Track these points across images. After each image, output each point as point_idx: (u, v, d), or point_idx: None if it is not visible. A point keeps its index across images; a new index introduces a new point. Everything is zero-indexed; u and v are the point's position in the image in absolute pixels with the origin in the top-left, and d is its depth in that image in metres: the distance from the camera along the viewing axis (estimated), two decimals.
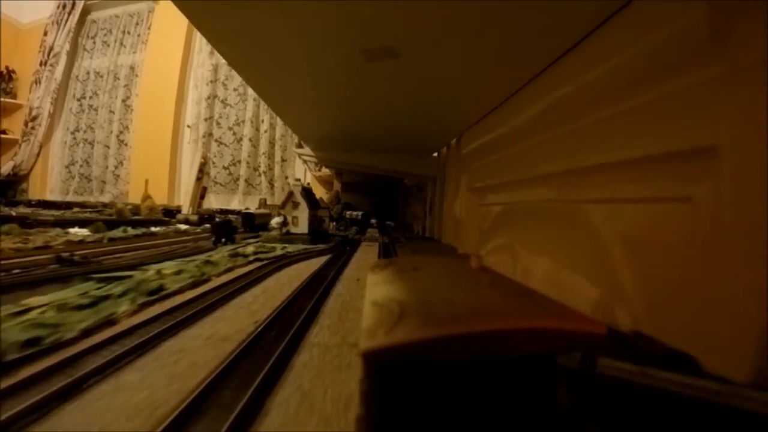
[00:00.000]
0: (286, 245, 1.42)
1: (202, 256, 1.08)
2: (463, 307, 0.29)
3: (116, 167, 5.43)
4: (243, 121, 4.67)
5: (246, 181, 4.48)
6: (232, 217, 2.55)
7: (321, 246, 1.52)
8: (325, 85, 1.00)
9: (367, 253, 1.44)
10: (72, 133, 5.92)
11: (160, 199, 4.83)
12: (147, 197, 3.40)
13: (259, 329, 0.54)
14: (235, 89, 4.82)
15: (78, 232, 1.65)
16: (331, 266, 1.12)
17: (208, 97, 4.86)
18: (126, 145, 5.42)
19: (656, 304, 0.51)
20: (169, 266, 0.89)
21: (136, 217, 2.39)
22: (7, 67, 6.29)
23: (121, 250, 1.30)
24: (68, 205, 4.42)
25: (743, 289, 0.39)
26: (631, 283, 0.55)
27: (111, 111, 5.63)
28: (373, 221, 2.90)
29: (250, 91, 4.62)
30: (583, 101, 0.64)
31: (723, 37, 0.44)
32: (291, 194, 1.55)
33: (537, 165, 0.80)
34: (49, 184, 6.09)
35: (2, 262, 1.07)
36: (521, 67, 0.79)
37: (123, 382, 0.39)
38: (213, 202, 4.42)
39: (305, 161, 3.97)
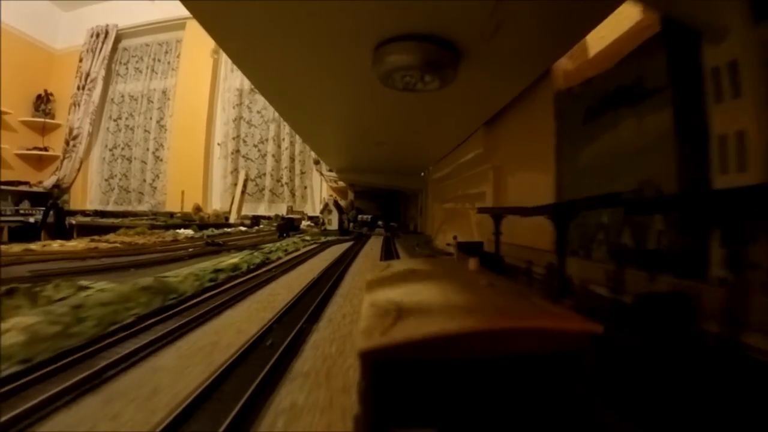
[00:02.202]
0: (327, 237, 2.48)
1: (287, 240, 2.15)
2: (461, 307, 0.32)
3: (153, 180, 6.54)
4: (266, 140, 5.77)
5: (270, 191, 5.57)
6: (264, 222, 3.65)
7: (346, 237, 2.58)
8: (350, 149, 2.06)
9: (375, 242, 2.48)
10: (110, 150, 7.05)
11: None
12: (197, 207, 4.50)
13: (335, 260, 1.60)
14: (258, 111, 5.93)
15: (186, 231, 2.71)
16: (355, 246, 2.18)
17: (235, 119, 5.97)
18: (161, 160, 6.53)
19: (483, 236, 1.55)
20: (280, 243, 1.95)
21: (204, 222, 3.47)
22: (45, 90, 7.45)
23: (232, 240, 2.36)
24: (124, 214, 5.55)
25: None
26: (477, 232, 1.59)
27: (146, 131, 6.75)
28: (379, 223, 3.95)
29: (272, 114, 5.71)
30: (463, 167, 1.70)
31: (488, 157, 1.49)
32: (326, 205, 2.62)
33: (453, 191, 1.86)
34: (89, 195, 7.20)
35: (178, 245, 2.13)
36: (446, 144, 1.85)
37: (306, 268, 1.44)
38: (241, 209, 5.49)
39: (322, 174, 5.04)
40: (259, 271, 1.28)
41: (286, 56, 0.96)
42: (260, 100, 5.94)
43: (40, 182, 7.09)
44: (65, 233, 5.04)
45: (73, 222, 5.56)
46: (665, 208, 0.68)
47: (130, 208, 6.61)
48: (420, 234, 2.92)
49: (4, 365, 0.50)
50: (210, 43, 5.30)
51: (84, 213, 5.86)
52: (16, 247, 2.05)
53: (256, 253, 1.53)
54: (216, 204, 5.92)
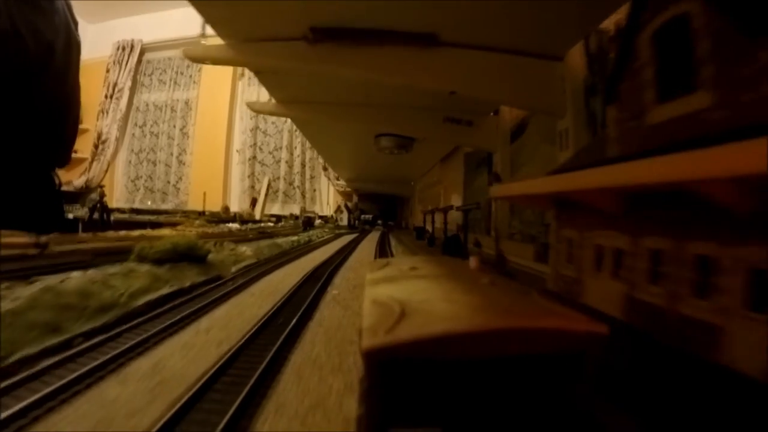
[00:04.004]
0: (339, 230, 3.65)
1: (314, 231, 3.31)
2: (464, 306, 0.34)
3: (177, 182, 7.69)
4: (280, 147, 6.94)
5: (284, 193, 6.74)
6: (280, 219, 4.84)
7: (353, 231, 3.75)
8: (358, 168, 3.24)
9: (375, 234, 3.65)
10: (136, 153, 8.20)
11: (216, 206, 7.02)
12: (226, 207, 5.66)
13: (348, 242, 2.77)
14: (273, 122, 7.09)
15: (234, 225, 3.86)
16: (360, 236, 3.35)
17: (252, 129, 7.14)
18: (184, 164, 7.68)
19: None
20: (310, 232, 3.12)
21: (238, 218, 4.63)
22: None
23: (274, 231, 3.52)
24: (159, 212, 6.68)
25: None
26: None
27: (170, 137, 7.90)
28: (379, 221, 5.12)
29: (286, 124, 6.86)
30: (431, 185, 2.87)
31: (441, 181, 2.66)
32: (339, 207, 3.79)
33: (427, 199, 3.03)
34: (115, 194, 8.33)
35: (239, 233, 3.28)
36: (421, 171, 3.01)
37: (334, 243, 2.60)
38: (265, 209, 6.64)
39: (329, 179, 6.22)
40: (309, 244, 2.44)
41: (324, 126, 2.12)
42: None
43: (70, 182, 8.22)
44: (110, 227, 6.15)
45: (112, 218, 6.66)
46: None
47: (154, 207, 7.75)
48: (407, 229, 4.09)
49: (253, 260, 1.65)
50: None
51: (120, 210, 7.00)
52: (135, 233, 3.19)
53: (302, 236, 2.69)
54: (234, 204, 7.07)
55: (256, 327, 0.76)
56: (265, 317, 0.83)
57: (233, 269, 1.41)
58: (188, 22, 7.47)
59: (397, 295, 0.37)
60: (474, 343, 0.29)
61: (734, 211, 0.36)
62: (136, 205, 7.99)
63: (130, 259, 1.18)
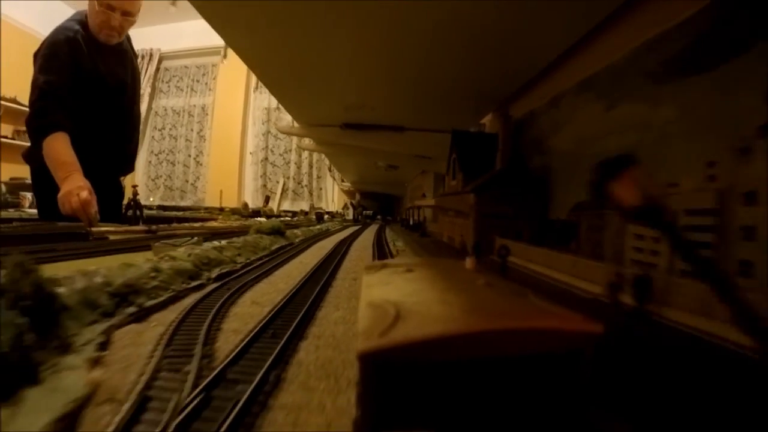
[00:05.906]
0: (345, 223, 5.00)
1: (326, 224, 4.65)
2: (459, 307, 0.37)
3: (194, 181, 9.03)
4: (290, 150, 8.28)
5: (293, 191, 8.08)
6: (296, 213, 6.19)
7: (357, 224, 5.11)
8: (362, 174, 4.59)
9: (374, 226, 4.99)
10: (156, 155, 9.54)
11: (231, 203, 8.32)
12: (245, 204, 6.99)
13: (355, 230, 4.11)
14: None
15: (261, 219, 5.17)
16: (363, 227, 4.70)
17: (264, 133, 8.48)
18: (201, 165, 9.02)
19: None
20: (324, 224, 4.47)
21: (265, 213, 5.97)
22: None
23: (294, 223, 4.86)
24: (182, 208, 7.99)
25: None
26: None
27: (188, 140, 9.24)
28: (378, 216, 6.46)
29: None
30: (419, 188, 4.22)
31: (422, 186, 4.00)
32: (346, 204, 5.14)
33: (415, 199, 4.39)
34: None
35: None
36: (409, 177, 4.35)
37: (345, 231, 3.93)
38: (281, 205, 7.97)
39: (334, 179, 7.55)
40: (328, 232, 3.77)
41: (340, 154, 3.47)
42: (285, 119, 8.42)
43: None
44: (144, 222, 7.42)
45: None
46: None
47: (173, 204, 9.07)
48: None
49: (302, 237, 2.99)
50: (243, 68, 8.11)
51: (149, 207, 8.31)
52: (196, 224, 4.51)
53: (322, 227, 4.02)
54: (248, 201, 8.40)
55: (324, 257, 2.10)
56: (327, 255, 2.16)
57: (296, 240, 2.74)
58: (202, 34, 8.77)
59: (392, 297, 0.40)
60: (468, 345, 0.31)
61: (453, 213, 1.75)
62: (156, 203, 9.29)
63: (251, 232, 2.51)
